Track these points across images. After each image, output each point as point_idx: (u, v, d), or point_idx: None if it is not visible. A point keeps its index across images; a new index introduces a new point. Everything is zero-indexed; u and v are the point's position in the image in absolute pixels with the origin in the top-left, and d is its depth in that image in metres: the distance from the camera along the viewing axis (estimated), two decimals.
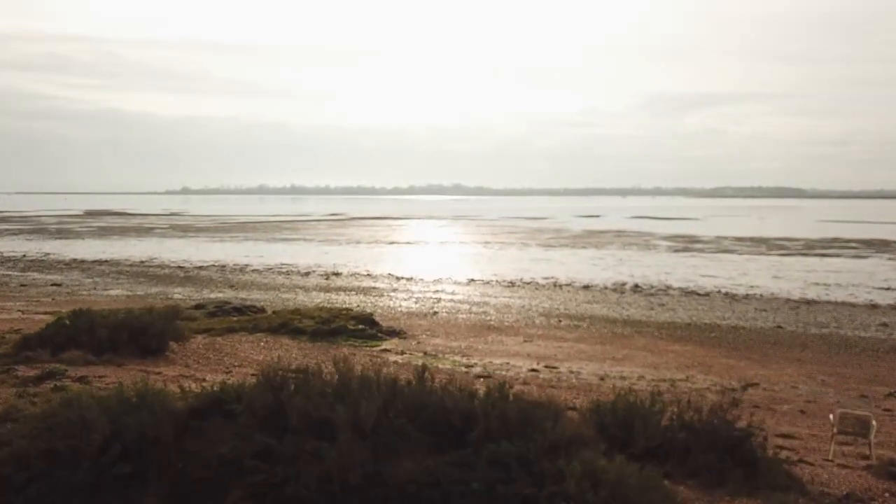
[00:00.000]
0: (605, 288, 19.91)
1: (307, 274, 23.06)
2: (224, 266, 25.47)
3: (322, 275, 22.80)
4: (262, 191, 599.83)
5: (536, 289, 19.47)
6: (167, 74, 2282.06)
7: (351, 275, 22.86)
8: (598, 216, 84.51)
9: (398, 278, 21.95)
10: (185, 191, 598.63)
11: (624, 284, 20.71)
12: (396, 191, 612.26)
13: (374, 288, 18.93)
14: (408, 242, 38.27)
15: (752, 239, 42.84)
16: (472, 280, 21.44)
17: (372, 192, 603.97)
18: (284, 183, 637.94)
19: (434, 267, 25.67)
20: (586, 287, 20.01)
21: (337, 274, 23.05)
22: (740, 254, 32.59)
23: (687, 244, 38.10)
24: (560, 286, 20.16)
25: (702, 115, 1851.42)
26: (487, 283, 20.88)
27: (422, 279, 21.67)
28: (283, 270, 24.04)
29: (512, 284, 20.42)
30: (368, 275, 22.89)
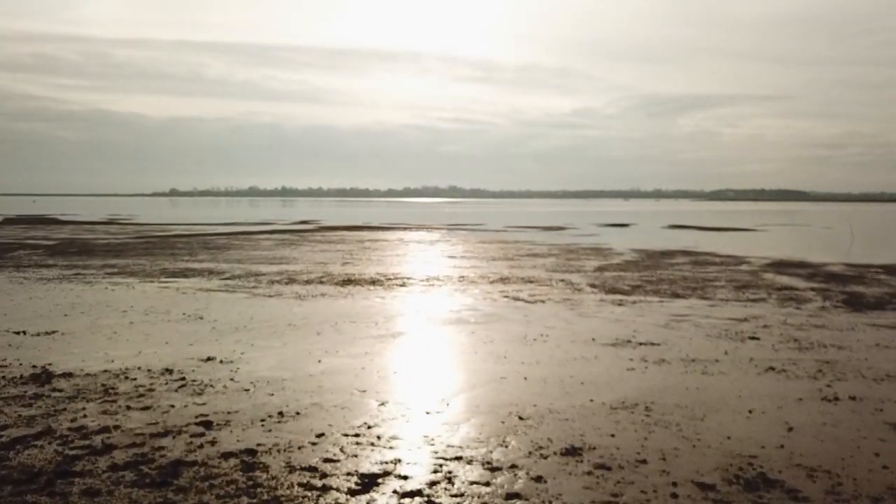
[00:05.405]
0: None
1: None
2: None
3: None
4: (252, 193, 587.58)
5: None
6: (157, 75, 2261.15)
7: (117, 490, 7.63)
8: (626, 224, 69.50)
9: None
10: (174, 192, 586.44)
11: None
12: (391, 193, 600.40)
13: None
14: (371, 283, 22.91)
15: None
16: None
17: (365, 194, 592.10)
18: (276, 185, 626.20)
19: (396, 392, 10.51)
20: None
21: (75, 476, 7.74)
22: None
23: (838, 287, 22.93)
24: None
25: (696, 117, 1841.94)
26: None
27: None
28: None
29: None
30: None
